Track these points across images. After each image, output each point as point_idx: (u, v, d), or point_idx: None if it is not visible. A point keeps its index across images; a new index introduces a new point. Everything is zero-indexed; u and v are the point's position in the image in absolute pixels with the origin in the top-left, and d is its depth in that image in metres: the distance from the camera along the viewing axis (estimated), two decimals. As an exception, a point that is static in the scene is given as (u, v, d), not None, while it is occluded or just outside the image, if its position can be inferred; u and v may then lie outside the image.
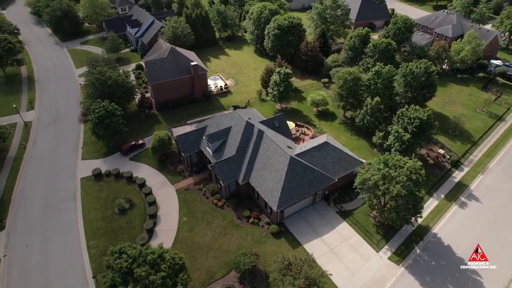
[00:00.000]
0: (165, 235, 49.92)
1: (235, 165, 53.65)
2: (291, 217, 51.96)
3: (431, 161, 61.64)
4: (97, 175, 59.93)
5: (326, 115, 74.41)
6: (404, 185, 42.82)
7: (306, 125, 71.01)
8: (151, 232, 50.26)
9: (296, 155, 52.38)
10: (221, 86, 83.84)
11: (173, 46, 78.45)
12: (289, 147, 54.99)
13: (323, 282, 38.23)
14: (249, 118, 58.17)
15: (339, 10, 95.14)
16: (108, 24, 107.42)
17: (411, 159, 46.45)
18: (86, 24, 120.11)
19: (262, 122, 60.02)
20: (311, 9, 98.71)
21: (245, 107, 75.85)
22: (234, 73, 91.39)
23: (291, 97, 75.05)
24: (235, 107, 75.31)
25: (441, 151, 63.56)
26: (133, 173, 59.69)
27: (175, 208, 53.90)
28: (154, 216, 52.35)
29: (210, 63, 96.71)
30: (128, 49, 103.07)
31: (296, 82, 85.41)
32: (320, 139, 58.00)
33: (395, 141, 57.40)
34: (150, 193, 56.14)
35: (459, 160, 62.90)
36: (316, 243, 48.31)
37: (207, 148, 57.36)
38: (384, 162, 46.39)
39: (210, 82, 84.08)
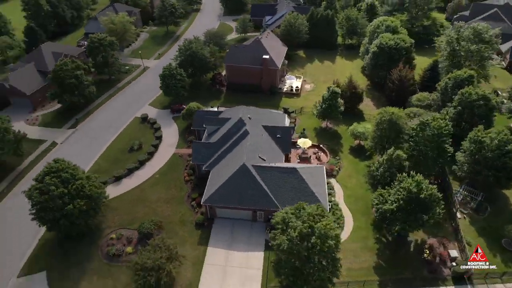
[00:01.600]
0: (136, 177, 60.15)
1: (210, 152, 56.97)
2: (223, 219, 52.19)
3: (427, 255, 46.65)
4: (143, 119, 75.01)
5: (361, 151, 64.89)
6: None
7: (325, 149, 64.60)
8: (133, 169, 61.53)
9: (253, 165, 51.14)
10: (291, 87, 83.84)
11: (260, 37, 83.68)
12: (261, 157, 53.64)
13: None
14: (250, 117, 59.20)
15: (481, 44, 74.68)
16: (255, 8, 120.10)
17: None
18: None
19: (266, 128, 59.61)
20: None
21: (292, 112, 74.68)
22: (321, 81, 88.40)
23: (338, 119, 68.77)
24: (285, 110, 75.27)
25: (453, 252, 46.63)
26: (161, 127, 71.63)
27: (161, 164, 62.83)
28: (143, 162, 63.02)
29: (307, 65, 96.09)
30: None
31: (368, 107, 76.23)
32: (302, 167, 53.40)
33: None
34: (156, 146, 66.86)
35: (469, 276, 44.69)
36: (218, 252, 47.96)
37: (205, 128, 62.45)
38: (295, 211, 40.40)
39: (286, 79, 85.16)
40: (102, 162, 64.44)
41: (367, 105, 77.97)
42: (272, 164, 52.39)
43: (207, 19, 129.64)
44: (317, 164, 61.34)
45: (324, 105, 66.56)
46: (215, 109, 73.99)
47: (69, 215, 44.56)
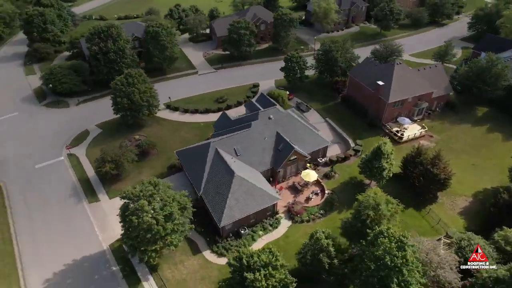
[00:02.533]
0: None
1: (225, 123, 62.33)
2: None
3: None
4: (254, 85, 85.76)
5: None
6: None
7: (324, 195, 54.44)
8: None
9: (217, 148, 53.85)
10: (397, 131, 68.05)
11: (397, 62, 70.38)
12: (235, 150, 54.89)
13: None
14: (270, 117, 58.62)
15: None
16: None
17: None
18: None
19: (278, 136, 57.62)
20: None
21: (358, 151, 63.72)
22: (454, 151, 65.54)
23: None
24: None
25: None
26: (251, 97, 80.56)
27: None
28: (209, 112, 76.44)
29: (461, 127, 71.69)
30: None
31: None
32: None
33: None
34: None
35: None
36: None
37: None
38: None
39: (400, 120, 69.51)
40: (203, 96, 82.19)
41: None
42: (230, 160, 52.56)
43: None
44: (294, 200, 54.25)
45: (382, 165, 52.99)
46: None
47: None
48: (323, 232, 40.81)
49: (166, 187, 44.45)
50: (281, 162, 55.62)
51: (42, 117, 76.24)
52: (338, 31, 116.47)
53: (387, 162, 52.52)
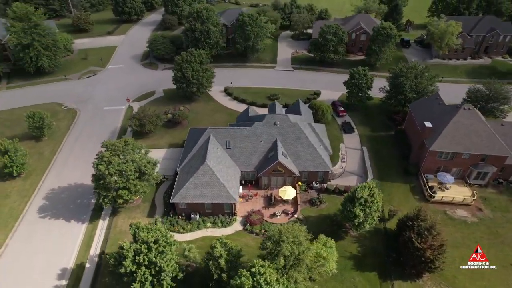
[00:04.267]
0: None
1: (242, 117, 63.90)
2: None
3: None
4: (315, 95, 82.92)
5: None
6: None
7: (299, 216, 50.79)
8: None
9: (212, 134, 56.61)
10: (431, 187, 55.58)
11: (466, 107, 56.12)
12: (228, 145, 56.42)
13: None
14: (276, 123, 57.15)
15: None
16: None
17: None
18: None
19: (275, 143, 56.02)
20: None
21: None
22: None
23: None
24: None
25: None
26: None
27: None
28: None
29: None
30: None
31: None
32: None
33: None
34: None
35: None
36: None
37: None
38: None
39: (439, 176, 56.26)
40: (261, 89, 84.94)
41: None
42: (214, 149, 54.36)
43: None
44: (257, 210, 52.38)
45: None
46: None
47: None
48: (224, 243, 39.50)
49: (136, 148, 50.58)
50: (263, 169, 54.18)
51: (135, 72, 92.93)
52: (458, 59, 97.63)
53: (363, 209, 44.93)
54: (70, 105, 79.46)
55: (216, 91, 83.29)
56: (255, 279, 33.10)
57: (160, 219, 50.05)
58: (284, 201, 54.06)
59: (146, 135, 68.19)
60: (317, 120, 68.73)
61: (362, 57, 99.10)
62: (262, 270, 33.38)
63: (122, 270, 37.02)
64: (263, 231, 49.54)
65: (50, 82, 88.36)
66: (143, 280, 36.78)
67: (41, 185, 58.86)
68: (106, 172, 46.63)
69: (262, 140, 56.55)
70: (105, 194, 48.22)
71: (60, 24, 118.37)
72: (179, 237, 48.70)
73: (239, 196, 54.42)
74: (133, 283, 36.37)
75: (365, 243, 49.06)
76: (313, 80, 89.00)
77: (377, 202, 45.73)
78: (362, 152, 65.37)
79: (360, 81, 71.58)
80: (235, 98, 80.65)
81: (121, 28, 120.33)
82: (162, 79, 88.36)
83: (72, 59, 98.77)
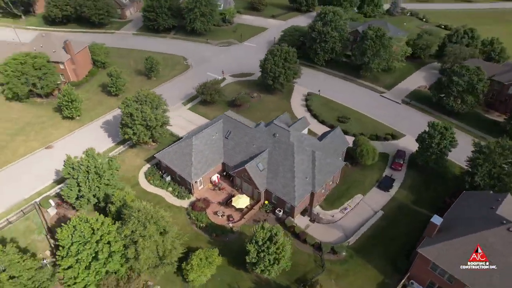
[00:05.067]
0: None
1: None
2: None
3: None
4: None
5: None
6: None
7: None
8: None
9: (229, 118, 60.19)
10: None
11: None
12: (216, 134, 58.76)
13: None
14: (275, 135, 54.75)
15: None
16: None
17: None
18: None
19: (263, 152, 54.41)
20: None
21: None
22: None
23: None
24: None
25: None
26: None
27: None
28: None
29: None
30: None
31: None
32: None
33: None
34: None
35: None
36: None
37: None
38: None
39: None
40: (343, 108, 79.04)
41: None
42: (211, 131, 57.81)
43: None
44: (206, 198, 53.53)
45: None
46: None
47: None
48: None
49: (160, 105, 60.87)
50: (235, 169, 54.13)
51: (259, 53, 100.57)
52: None
53: (258, 250, 40.08)
54: (190, 62, 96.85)
55: (300, 93, 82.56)
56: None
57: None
58: (238, 209, 52.94)
59: (208, 104, 77.22)
60: (352, 159, 60.15)
61: (502, 119, 73.53)
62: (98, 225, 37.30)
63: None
64: (193, 218, 51.43)
65: (195, 41, 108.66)
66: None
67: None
68: (130, 112, 58.55)
69: (255, 144, 55.62)
70: (124, 130, 60.84)
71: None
72: (146, 185, 57.28)
73: (210, 182, 57.07)
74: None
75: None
76: (409, 119, 74.08)
77: (279, 250, 39.57)
78: (374, 215, 53.53)
79: (434, 139, 56.03)
80: (307, 106, 77.96)
81: (286, 15, 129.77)
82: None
83: (225, 29, 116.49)
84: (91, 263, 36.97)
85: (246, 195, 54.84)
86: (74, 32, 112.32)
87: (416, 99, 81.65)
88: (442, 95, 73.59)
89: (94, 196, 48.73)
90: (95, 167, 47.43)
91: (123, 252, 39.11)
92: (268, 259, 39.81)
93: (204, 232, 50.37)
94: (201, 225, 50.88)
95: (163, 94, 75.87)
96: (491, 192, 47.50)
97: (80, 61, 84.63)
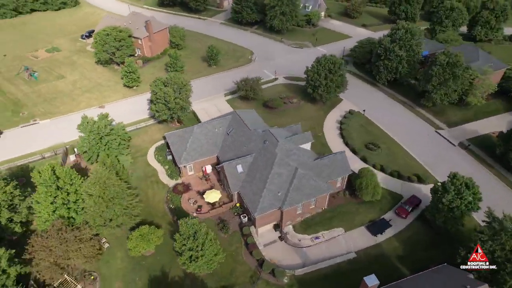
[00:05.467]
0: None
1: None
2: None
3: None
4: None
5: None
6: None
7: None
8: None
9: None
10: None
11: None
12: (220, 127, 59.96)
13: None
14: (265, 142, 53.74)
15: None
16: None
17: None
18: None
19: (249, 155, 54.12)
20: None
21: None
22: None
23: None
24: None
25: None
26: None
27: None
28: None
29: None
30: None
31: None
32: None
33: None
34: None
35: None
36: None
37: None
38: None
39: None
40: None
41: None
42: (215, 124, 60.06)
43: None
44: (188, 184, 56.25)
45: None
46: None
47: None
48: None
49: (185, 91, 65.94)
50: (219, 164, 55.52)
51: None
52: None
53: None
54: (254, 57, 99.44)
55: (343, 109, 77.36)
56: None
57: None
58: (211, 203, 54.26)
59: (246, 100, 79.04)
60: (352, 189, 55.21)
61: None
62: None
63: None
64: (169, 198, 55.04)
65: (271, 38, 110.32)
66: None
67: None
68: (155, 91, 65.14)
69: (246, 146, 55.55)
70: (151, 106, 67.87)
71: (336, 3, 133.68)
72: (151, 158, 63.45)
73: (202, 171, 59.65)
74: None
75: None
76: (453, 165, 62.03)
77: (198, 248, 40.12)
78: (343, 255, 48.32)
79: (447, 195, 46.93)
80: (341, 123, 72.62)
81: (379, 26, 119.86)
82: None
83: (305, 31, 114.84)
84: (52, 204, 43.97)
85: (227, 192, 55.68)
86: (173, 14, 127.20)
87: (479, 145, 67.84)
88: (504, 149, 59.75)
89: (96, 153, 56.51)
90: (98, 128, 54.81)
91: (79, 204, 45.27)
92: (188, 254, 40.63)
93: (171, 213, 53.49)
94: (171, 206, 54.14)
95: (213, 82, 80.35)
96: (475, 279, 37.86)
97: (157, 40, 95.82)
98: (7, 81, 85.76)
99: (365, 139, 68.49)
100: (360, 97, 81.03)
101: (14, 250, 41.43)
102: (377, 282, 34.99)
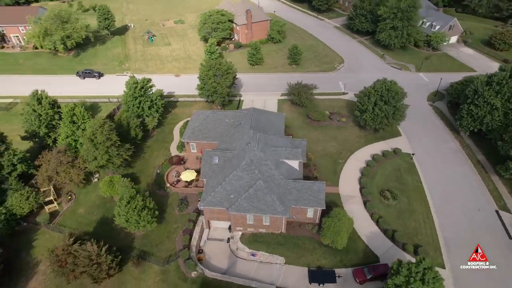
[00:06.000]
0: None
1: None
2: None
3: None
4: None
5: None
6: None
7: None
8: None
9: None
10: None
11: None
12: (231, 120, 61.07)
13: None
14: (248, 144, 53.14)
15: None
16: None
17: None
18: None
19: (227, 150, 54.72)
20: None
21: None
22: None
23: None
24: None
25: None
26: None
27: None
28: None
29: None
30: None
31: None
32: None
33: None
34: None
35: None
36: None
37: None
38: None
39: None
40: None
41: None
42: (232, 118, 62.06)
43: None
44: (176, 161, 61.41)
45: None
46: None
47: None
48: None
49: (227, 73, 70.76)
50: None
51: (414, 86, 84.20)
52: None
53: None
54: (341, 66, 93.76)
55: (390, 144, 66.88)
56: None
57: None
58: (188, 182, 57.96)
59: (295, 104, 76.78)
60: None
61: None
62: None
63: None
64: (161, 165, 61.50)
65: (373, 52, 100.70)
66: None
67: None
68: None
69: (237, 142, 56.12)
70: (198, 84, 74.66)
71: (484, 29, 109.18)
72: (176, 130, 70.91)
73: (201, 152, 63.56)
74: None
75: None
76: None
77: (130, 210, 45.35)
78: (264, 286, 45.08)
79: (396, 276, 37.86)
80: (371, 159, 63.24)
81: None
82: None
83: (421, 53, 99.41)
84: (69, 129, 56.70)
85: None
86: (295, 9, 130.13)
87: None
88: None
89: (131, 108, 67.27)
90: (135, 89, 65.02)
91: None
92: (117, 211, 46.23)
93: (155, 176, 59.84)
94: (158, 171, 60.45)
95: (279, 80, 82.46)
96: None
97: (255, 29, 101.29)
98: (132, 39, 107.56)
99: (386, 186, 58.24)
100: (426, 140, 67.95)
101: (29, 154, 55.73)
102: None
